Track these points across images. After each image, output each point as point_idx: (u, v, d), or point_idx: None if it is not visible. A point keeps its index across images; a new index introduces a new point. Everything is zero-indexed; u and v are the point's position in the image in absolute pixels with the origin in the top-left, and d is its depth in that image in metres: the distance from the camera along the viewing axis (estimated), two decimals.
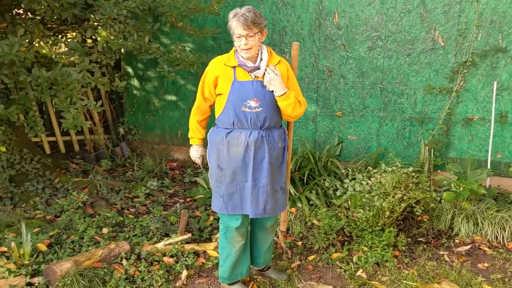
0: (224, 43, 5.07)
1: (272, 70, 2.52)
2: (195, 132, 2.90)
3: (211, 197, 4.37)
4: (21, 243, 3.22)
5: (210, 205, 4.30)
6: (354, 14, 4.53)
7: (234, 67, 2.58)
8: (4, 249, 3.30)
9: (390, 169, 3.67)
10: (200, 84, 2.71)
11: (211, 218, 3.99)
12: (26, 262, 3.13)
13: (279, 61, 2.63)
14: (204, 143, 2.92)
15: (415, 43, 4.39)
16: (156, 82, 5.51)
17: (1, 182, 4.21)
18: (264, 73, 2.55)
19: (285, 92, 2.54)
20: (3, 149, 4.24)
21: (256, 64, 2.56)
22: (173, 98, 5.47)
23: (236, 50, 2.58)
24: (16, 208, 4.06)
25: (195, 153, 2.96)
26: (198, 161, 2.98)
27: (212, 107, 2.81)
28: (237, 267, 2.90)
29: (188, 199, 4.51)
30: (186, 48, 4.85)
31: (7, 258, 3.18)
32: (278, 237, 3.43)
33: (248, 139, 2.60)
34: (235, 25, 2.45)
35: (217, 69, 2.62)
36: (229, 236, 2.80)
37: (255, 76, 2.57)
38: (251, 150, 2.61)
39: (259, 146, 2.62)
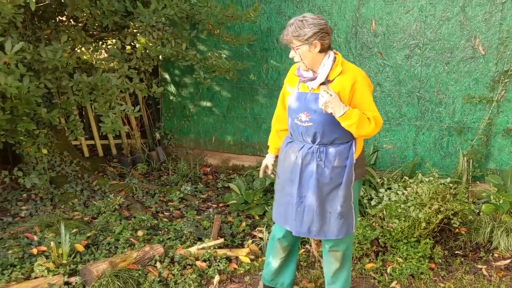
0: (260, 50, 5.10)
1: (326, 91, 2.28)
2: (271, 140, 2.82)
3: (243, 203, 4.44)
4: (60, 243, 3.31)
5: (242, 211, 4.33)
6: (392, 22, 4.47)
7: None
8: (43, 248, 3.41)
9: (427, 179, 3.60)
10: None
11: (244, 224, 4.00)
12: (64, 261, 3.22)
13: (340, 72, 2.37)
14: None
15: (455, 51, 4.30)
16: (192, 88, 5.59)
17: (42, 184, 4.36)
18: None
19: (344, 112, 2.28)
20: (45, 151, 4.39)
21: (312, 76, 2.41)
22: (208, 104, 5.53)
23: None
24: (55, 209, 4.19)
25: (265, 160, 2.83)
26: (265, 168, 2.84)
27: None
28: (278, 276, 2.86)
29: (221, 205, 4.54)
30: (222, 55, 4.91)
31: (47, 257, 3.28)
32: (311, 246, 3.41)
33: (297, 153, 2.49)
34: (281, 36, 2.39)
35: (289, 77, 2.59)
36: (272, 244, 2.77)
37: (312, 88, 2.43)
38: (298, 166, 2.49)
39: (308, 162, 2.47)
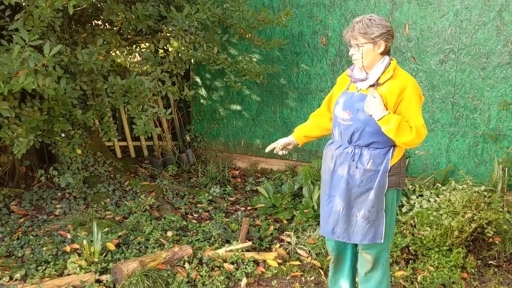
0: (291, 54, 5.10)
1: (371, 92, 2.33)
2: (300, 126, 2.77)
3: (271, 206, 4.44)
4: (92, 241, 3.39)
5: (270, 215, 4.33)
6: (426, 26, 4.40)
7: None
8: (76, 246, 3.49)
9: (460, 187, 3.51)
10: None
11: (272, 227, 4.00)
12: (96, 260, 3.29)
13: (391, 77, 2.37)
14: (300, 148, 2.79)
15: (490, 56, 4.20)
16: (222, 92, 5.64)
17: (76, 183, 4.47)
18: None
19: (383, 116, 2.29)
20: (79, 151, 4.50)
21: (363, 77, 2.42)
22: (238, 107, 5.57)
23: None
24: (88, 208, 4.28)
25: (283, 138, 2.74)
26: (275, 144, 2.73)
27: (330, 122, 2.70)
28: (334, 284, 2.82)
29: (249, 208, 4.56)
30: (253, 59, 4.94)
31: (79, 255, 3.37)
32: None
33: (333, 152, 2.51)
34: (345, 32, 2.40)
35: (340, 79, 2.63)
36: (327, 247, 2.77)
37: (360, 89, 2.44)
38: (332, 165, 2.51)
39: (342, 162, 2.47)
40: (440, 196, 3.56)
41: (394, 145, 2.44)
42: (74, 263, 3.21)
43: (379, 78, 2.39)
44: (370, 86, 2.40)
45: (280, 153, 2.72)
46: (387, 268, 2.64)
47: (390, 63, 2.41)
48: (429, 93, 4.49)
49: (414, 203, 3.67)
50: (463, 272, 3.29)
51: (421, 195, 3.74)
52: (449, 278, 3.16)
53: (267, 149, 2.75)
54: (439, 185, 3.74)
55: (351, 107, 2.43)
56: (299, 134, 2.74)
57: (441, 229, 3.34)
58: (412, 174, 4.63)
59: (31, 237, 3.66)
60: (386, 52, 2.40)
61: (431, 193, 3.67)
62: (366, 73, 2.42)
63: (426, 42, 4.43)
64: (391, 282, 3.21)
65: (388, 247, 2.60)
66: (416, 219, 3.56)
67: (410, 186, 4.12)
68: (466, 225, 3.31)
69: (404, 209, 3.74)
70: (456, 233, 3.30)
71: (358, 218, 2.46)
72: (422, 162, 4.62)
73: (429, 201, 3.59)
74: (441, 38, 4.36)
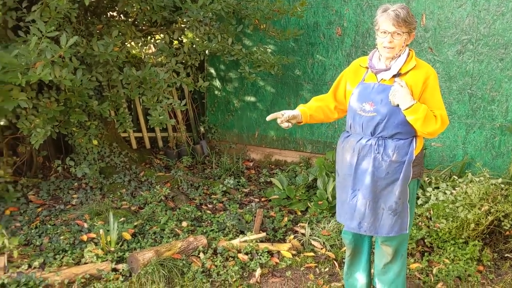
0: (306, 45, 5.07)
1: (398, 82, 2.32)
2: (305, 104, 2.65)
3: (285, 198, 4.44)
4: (108, 231, 3.43)
5: (284, 206, 4.33)
6: (443, 16, 4.34)
7: (367, 68, 2.49)
8: (93, 235, 3.54)
9: (477, 180, 3.48)
10: None
11: (286, 219, 4.00)
12: (112, 249, 3.33)
13: (414, 66, 2.36)
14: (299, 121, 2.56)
15: (509, 47, 4.12)
16: (237, 83, 5.63)
17: (92, 173, 4.52)
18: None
19: (411, 105, 2.28)
20: (95, 142, 4.55)
21: (384, 67, 2.40)
22: (252, 99, 5.56)
23: (375, 50, 2.46)
24: (104, 198, 4.33)
25: (289, 110, 2.57)
26: (279, 115, 2.53)
27: (334, 111, 2.67)
28: (350, 276, 2.81)
29: (263, 199, 4.57)
30: (268, 49, 4.91)
31: (96, 244, 3.41)
32: None
33: (354, 146, 2.46)
34: (383, 20, 2.30)
35: (351, 69, 2.57)
36: (343, 240, 2.75)
37: (382, 79, 2.41)
38: (354, 159, 2.46)
39: (365, 154, 2.42)
40: (456, 188, 3.53)
41: (416, 136, 2.42)
42: (91, 252, 3.26)
43: (400, 69, 2.37)
44: (394, 76, 2.38)
45: (284, 125, 2.53)
46: (405, 259, 2.63)
47: (409, 53, 2.40)
48: (446, 84, 4.43)
49: (430, 195, 3.64)
50: (479, 265, 3.26)
51: (437, 188, 3.70)
52: (465, 271, 3.14)
53: (269, 118, 2.52)
54: (456, 177, 3.71)
55: (374, 99, 2.39)
56: (306, 112, 2.60)
57: (457, 222, 3.31)
58: (428, 166, 4.59)
59: (49, 226, 3.72)
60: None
61: (447, 185, 3.64)
62: (387, 63, 2.39)
63: (443, 33, 4.37)
64: (406, 274, 3.20)
65: (408, 238, 2.59)
66: (432, 211, 3.53)
67: (426, 178, 4.09)
68: (483, 218, 3.28)
69: (419, 201, 3.71)
70: (472, 225, 3.28)
71: (384, 211, 2.44)
72: (438, 154, 4.58)
73: (445, 193, 3.56)
74: (458, 28, 4.30)
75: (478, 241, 3.33)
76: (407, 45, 2.38)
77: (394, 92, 2.31)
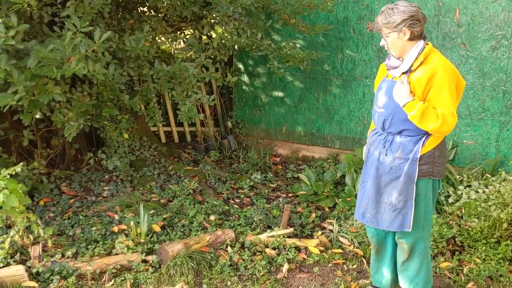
0: (335, 40, 5.03)
1: (401, 79, 2.36)
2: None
3: (313, 194, 4.43)
4: (138, 222, 3.49)
5: (312, 202, 4.32)
6: (477, 11, 4.23)
7: None
8: (124, 227, 3.62)
9: (510, 178, 3.40)
10: None
11: (313, 215, 3.99)
12: (142, 240, 3.39)
13: (421, 62, 2.35)
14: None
15: None
16: (265, 78, 5.63)
17: (123, 166, 4.60)
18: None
19: (407, 103, 2.31)
20: (126, 136, 4.62)
21: (398, 64, 2.43)
22: (280, 94, 5.55)
23: None
24: (134, 191, 4.41)
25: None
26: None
27: None
28: (376, 272, 2.83)
29: (290, 195, 4.57)
30: (297, 44, 4.89)
31: (126, 235, 3.48)
32: None
33: (370, 138, 2.60)
34: (372, 25, 2.46)
35: (381, 67, 2.66)
36: (367, 233, 2.79)
37: (394, 76, 2.46)
38: (367, 150, 2.62)
39: (375, 148, 2.54)
40: (489, 187, 3.45)
41: (427, 134, 2.39)
42: (122, 243, 3.32)
43: (412, 65, 2.37)
44: (403, 73, 2.40)
45: None
46: (425, 257, 2.59)
47: (424, 48, 2.37)
48: (479, 81, 4.33)
49: (462, 193, 3.57)
50: (511, 265, 3.19)
51: (469, 186, 3.63)
52: (497, 271, 3.08)
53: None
54: (488, 175, 3.63)
55: (386, 95, 2.47)
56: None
57: (489, 221, 3.24)
58: (459, 164, 4.50)
59: (81, 217, 3.81)
60: (417, 37, 2.36)
61: (479, 183, 3.57)
62: (401, 60, 2.43)
63: (477, 28, 4.26)
64: (436, 273, 3.15)
65: (425, 237, 2.56)
66: (463, 210, 3.47)
67: (458, 176, 4.01)
68: None
69: (450, 200, 3.65)
70: (505, 225, 3.20)
71: (386, 205, 2.50)
72: (470, 152, 4.48)
73: (477, 192, 3.49)
74: (493, 23, 4.19)
75: (511, 240, 3.26)
76: (411, 40, 2.35)
77: (395, 89, 2.36)
